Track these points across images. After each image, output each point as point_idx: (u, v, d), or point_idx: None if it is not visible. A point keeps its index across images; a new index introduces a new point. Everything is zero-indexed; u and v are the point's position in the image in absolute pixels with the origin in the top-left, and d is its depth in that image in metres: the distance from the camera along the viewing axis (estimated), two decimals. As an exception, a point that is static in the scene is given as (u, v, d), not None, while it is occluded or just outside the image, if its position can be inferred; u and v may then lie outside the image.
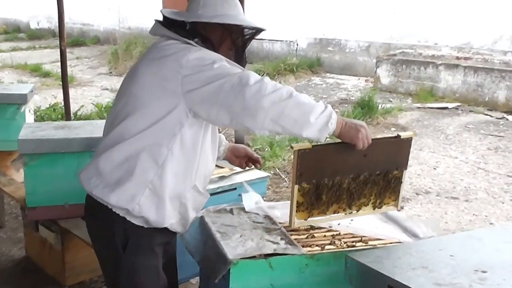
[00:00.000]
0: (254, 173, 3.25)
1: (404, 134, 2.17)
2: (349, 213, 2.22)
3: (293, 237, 2.30)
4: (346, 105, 8.27)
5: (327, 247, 2.24)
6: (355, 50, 10.90)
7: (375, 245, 2.24)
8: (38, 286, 3.48)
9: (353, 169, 2.10)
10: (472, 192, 5.08)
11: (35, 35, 16.85)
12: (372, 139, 2.03)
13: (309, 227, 2.41)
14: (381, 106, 7.83)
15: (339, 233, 2.36)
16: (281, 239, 2.26)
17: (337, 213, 2.19)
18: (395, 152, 2.16)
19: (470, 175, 5.52)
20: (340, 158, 2.02)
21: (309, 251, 2.19)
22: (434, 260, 1.77)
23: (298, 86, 9.96)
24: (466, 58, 9.04)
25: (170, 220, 2.07)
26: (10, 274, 3.65)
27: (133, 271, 2.08)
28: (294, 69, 10.47)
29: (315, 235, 2.35)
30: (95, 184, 2.03)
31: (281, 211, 2.45)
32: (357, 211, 2.22)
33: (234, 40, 2.11)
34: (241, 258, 2.08)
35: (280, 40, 11.88)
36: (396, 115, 7.76)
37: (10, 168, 4.26)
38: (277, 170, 5.49)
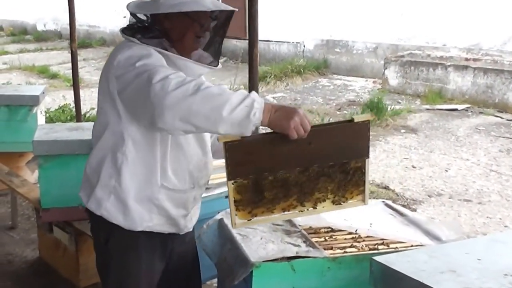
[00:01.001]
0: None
1: (359, 117, 1.85)
2: (304, 211, 1.95)
3: (313, 239, 2.28)
4: (355, 107, 8.25)
5: (348, 250, 2.22)
6: (362, 52, 10.87)
7: (397, 248, 2.23)
8: (51, 287, 3.47)
9: (299, 161, 1.84)
10: (485, 195, 5.05)
11: (42, 37, 16.89)
12: (319, 125, 1.85)
13: (329, 229, 2.39)
14: (390, 108, 7.80)
15: (360, 235, 2.34)
16: (302, 241, 2.24)
17: (288, 211, 1.92)
18: (351, 140, 1.86)
19: (483, 177, 5.49)
20: (278, 149, 1.77)
21: (331, 254, 2.17)
22: (461, 264, 1.74)
23: (305, 87, 9.95)
24: (475, 60, 8.98)
25: (147, 223, 2.01)
26: (23, 275, 3.66)
27: (114, 269, 2.08)
28: (301, 70, 10.44)
29: (336, 237, 2.34)
30: (82, 187, 2.11)
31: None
32: (314, 207, 1.95)
33: (201, 27, 1.97)
34: (263, 261, 2.07)
35: (287, 42, 11.86)
36: (405, 117, 7.73)
37: (23, 169, 4.27)
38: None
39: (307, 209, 1.94)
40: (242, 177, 1.82)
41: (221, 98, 1.63)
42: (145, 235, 2.03)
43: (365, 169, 1.93)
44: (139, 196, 1.96)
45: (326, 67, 11.13)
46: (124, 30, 1.99)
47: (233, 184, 1.81)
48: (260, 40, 4.07)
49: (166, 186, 1.97)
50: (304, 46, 11.68)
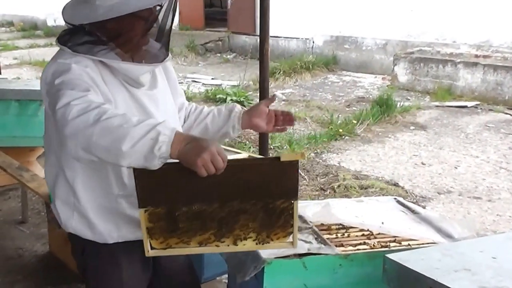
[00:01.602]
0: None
1: (286, 156, 1.69)
2: (222, 247, 1.78)
3: (325, 236, 2.27)
4: (364, 103, 8.22)
5: (360, 247, 2.21)
6: (371, 48, 10.82)
7: (409, 245, 2.22)
8: (61, 282, 3.48)
9: (216, 195, 1.69)
10: (495, 192, 5.02)
11: (52, 32, 16.91)
12: (242, 160, 1.74)
13: (341, 226, 2.39)
14: (400, 105, 7.77)
15: (372, 232, 2.33)
16: (314, 238, 2.24)
17: (205, 245, 1.77)
18: (276, 179, 1.68)
19: (492, 174, 5.45)
20: (194, 181, 1.59)
21: (343, 251, 2.17)
22: (476, 262, 1.73)
23: (314, 83, 9.92)
24: (485, 56, 8.93)
25: (117, 234, 1.90)
26: (33, 269, 3.67)
27: (93, 279, 2.01)
28: (310, 66, 10.42)
29: (348, 234, 2.33)
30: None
31: (312, 211, 2.43)
32: (234, 244, 1.78)
33: (147, 21, 1.82)
34: (275, 258, 2.07)
35: (296, 38, 11.83)
36: (414, 114, 7.70)
37: (33, 163, 4.28)
38: (297, 168, 5.45)
39: (227, 245, 1.78)
40: (153, 205, 1.69)
41: (121, 131, 1.49)
42: (121, 244, 1.92)
43: (293, 211, 1.74)
44: (100, 210, 1.87)
45: (335, 63, 11.10)
46: (59, 37, 1.84)
47: (144, 212, 1.70)
48: (269, 36, 4.07)
49: (124, 194, 1.85)
50: (313, 42, 11.65)
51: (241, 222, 1.74)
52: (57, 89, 1.64)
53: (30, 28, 18.13)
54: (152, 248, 1.75)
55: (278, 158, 1.66)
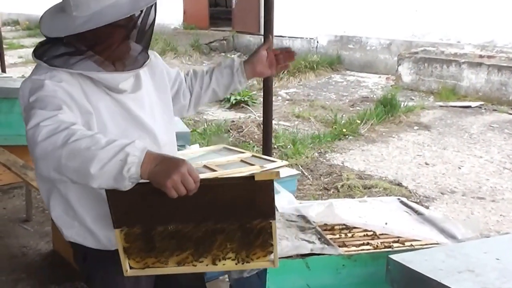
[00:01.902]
0: (284, 171, 3.23)
1: (260, 175, 1.64)
2: (201, 267, 1.76)
3: (328, 236, 2.27)
4: (368, 103, 8.21)
5: (363, 247, 2.21)
6: (376, 48, 10.81)
7: (412, 245, 2.21)
8: (65, 280, 3.50)
9: (191, 215, 1.67)
10: (499, 193, 5.01)
11: (56, 31, 16.98)
12: (216, 179, 1.71)
13: (344, 226, 2.38)
14: (403, 105, 7.76)
15: (375, 233, 2.33)
16: (317, 238, 2.24)
17: (183, 265, 1.75)
18: (251, 198, 1.64)
19: (496, 175, 5.44)
20: (168, 201, 1.54)
21: (346, 251, 2.16)
22: (480, 263, 1.73)
23: (318, 83, 9.92)
24: (489, 57, 8.90)
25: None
26: (37, 267, 3.68)
27: (95, 282, 2.01)
28: (315, 66, 10.41)
29: (351, 234, 2.33)
30: None
31: (316, 212, 2.42)
32: (213, 264, 1.76)
33: (127, 29, 1.79)
34: (278, 257, 2.06)
35: (300, 37, 11.82)
36: (418, 114, 7.69)
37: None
38: (300, 168, 5.46)
39: (205, 265, 1.76)
40: (128, 225, 1.68)
41: (88, 154, 1.47)
42: None
43: (271, 231, 1.70)
44: (98, 218, 1.86)
45: (340, 63, 11.09)
46: (34, 50, 1.82)
47: (120, 232, 1.68)
48: (274, 36, 4.07)
49: None
50: (317, 42, 11.63)
51: (218, 242, 1.71)
52: (30, 107, 1.63)
53: (36, 27, 18.10)
54: (131, 267, 1.75)
55: (253, 177, 1.62)
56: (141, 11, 1.78)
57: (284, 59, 2.15)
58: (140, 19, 1.80)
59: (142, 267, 1.75)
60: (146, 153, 1.49)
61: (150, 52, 2.01)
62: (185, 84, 2.20)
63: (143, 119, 1.88)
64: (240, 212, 1.66)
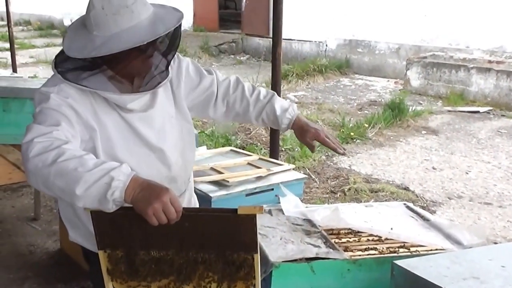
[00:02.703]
0: (290, 174, 3.24)
1: (244, 209, 1.61)
2: None
3: (333, 241, 2.28)
4: (376, 107, 8.21)
5: (368, 252, 2.21)
6: (384, 52, 10.80)
7: (417, 251, 2.22)
8: (71, 279, 3.52)
9: (173, 243, 1.67)
10: (506, 198, 4.99)
11: (68, 32, 17.08)
12: (198, 210, 1.70)
13: (349, 231, 2.39)
14: (411, 109, 7.75)
15: (380, 238, 2.33)
16: (322, 242, 2.24)
17: None
18: (233, 231, 1.64)
19: (504, 180, 5.42)
20: (147, 227, 1.55)
21: (351, 255, 2.17)
22: (485, 271, 1.73)
23: (326, 87, 9.92)
24: (498, 62, 8.87)
25: None
26: (44, 266, 3.71)
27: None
28: (323, 70, 10.42)
29: (356, 239, 2.33)
30: None
31: (321, 216, 2.43)
32: None
33: (146, 52, 1.79)
34: (283, 261, 2.08)
35: (309, 41, 11.83)
36: (426, 118, 7.67)
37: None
38: (307, 171, 5.46)
39: None
40: (111, 248, 1.70)
41: (75, 175, 1.50)
42: None
43: (253, 264, 1.68)
44: None
45: (348, 66, 11.09)
46: (55, 58, 1.87)
47: (104, 253, 1.71)
48: (283, 39, 4.09)
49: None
50: (326, 46, 11.63)
51: (200, 271, 1.71)
52: (33, 118, 1.70)
53: (47, 27, 18.30)
54: None
55: (236, 210, 1.61)
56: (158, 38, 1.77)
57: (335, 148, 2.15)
58: (159, 44, 1.82)
59: None
60: (132, 178, 1.51)
61: (178, 59, 2.03)
62: (220, 98, 2.16)
63: (149, 139, 1.90)
64: (222, 243, 1.66)
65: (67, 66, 1.80)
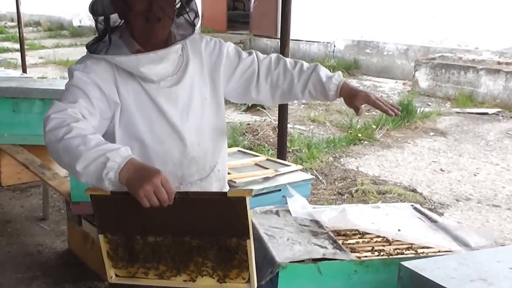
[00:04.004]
0: (298, 175, 3.24)
1: (233, 192, 1.63)
2: (181, 282, 1.75)
3: (340, 242, 2.28)
4: (384, 108, 8.17)
5: (376, 253, 2.21)
6: (393, 53, 10.77)
7: (425, 253, 2.21)
8: (79, 279, 3.53)
9: (168, 228, 1.68)
10: (515, 201, 4.97)
11: (78, 33, 17.17)
12: (188, 193, 1.67)
13: (356, 232, 2.39)
14: (420, 110, 7.73)
15: (388, 239, 2.33)
16: (329, 243, 2.25)
17: (163, 279, 1.76)
18: (225, 215, 1.63)
19: (512, 183, 5.40)
20: (143, 212, 1.58)
21: (358, 257, 2.17)
22: (492, 273, 1.72)
23: (334, 87, 9.89)
24: (508, 63, 8.83)
25: None
26: (52, 266, 3.73)
27: None
28: (331, 70, 10.31)
29: (363, 240, 2.33)
30: None
31: (328, 217, 2.43)
32: (192, 280, 1.74)
33: (143, 15, 1.82)
34: (290, 262, 2.08)
35: (317, 41, 11.82)
36: (434, 120, 7.65)
37: (55, 162, 4.33)
38: (315, 172, 5.46)
39: (184, 281, 1.75)
40: (110, 233, 1.72)
41: (76, 152, 1.57)
42: None
43: (247, 250, 1.66)
44: None
45: (356, 67, 11.08)
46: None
47: (104, 238, 1.73)
48: (291, 40, 4.09)
49: None
50: (334, 46, 11.62)
51: (195, 258, 1.71)
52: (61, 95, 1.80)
53: (57, 28, 18.43)
54: (116, 275, 1.77)
55: (225, 193, 1.62)
56: None
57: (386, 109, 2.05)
58: (159, 4, 1.81)
59: (125, 275, 1.77)
60: (128, 161, 1.55)
61: (212, 40, 2.06)
62: (262, 76, 2.11)
63: (170, 116, 1.90)
64: (215, 229, 1.66)
65: (92, 41, 1.89)
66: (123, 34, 1.90)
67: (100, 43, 1.86)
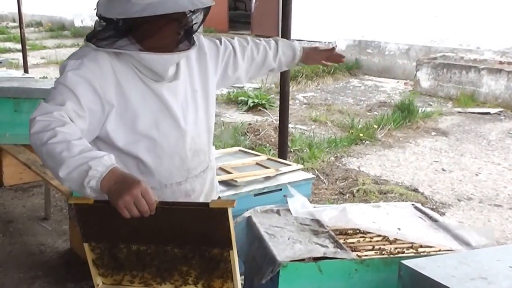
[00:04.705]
0: (299, 175, 3.24)
1: (216, 203, 1.62)
2: None
3: (341, 241, 2.28)
4: (386, 108, 8.18)
5: (376, 252, 2.22)
6: (394, 53, 10.77)
7: (425, 252, 2.22)
8: (81, 278, 3.53)
9: (149, 238, 1.69)
10: (517, 201, 4.96)
11: (79, 33, 17.17)
12: (170, 203, 1.66)
13: (357, 231, 2.39)
14: (421, 110, 7.72)
15: (388, 238, 2.33)
16: (330, 242, 2.25)
17: (148, 286, 1.78)
18: (207, 226, 1.63)
19: (514, 182, 5.40)
20: (128, 221, 1.56)
21: (359, 256, 2.17)
22: (493, 271, 1.73)
23: (336, 88, 9.91)
24: (509, 63, 8.82)
25: None
26: (54, 265, 3.73)
27: None
28: (332, 70, 10.40)
29: (364, 239, 2.33)
30: None
31: (329, 216, 2.43)
32: None
33: (180, 24, 1.83)
34: (290, 261, 2.08)
35: (319, 41, 11.80)
36: (436, 119, 7.64)
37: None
38: (316, 172, 5.46)
39: None
40: (95, 241, 1.73)
41: (59, 158, 1.57)
42: None
43: (230, 261, 1.67)
44: None
45: (358, 67, 11.06)
46: (87, 35, 1.89)
47: (89, 246, 1.74)
48: (292, 40, 4.09)
49: None
50: (336, 46, 11.60)
51: (179, 267, 1.73)
52: (49, 92, 1.78)
53: (58, 29, 18.44)
54: (103, 283, 1.80)
55: (207, 204, 1.62)
56: (193, 12, 1.84)
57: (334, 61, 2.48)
58: (192, 18, 1.86)
59: (112, 283, 1.79)
60: (110, 170, 1.55)
61: (196, 36, 2.04)
62: (239, 54, 2.21)
63: (174, 110, 1.92)
64: (197, 239, 1.66)
65: (99, 36, 1.82)
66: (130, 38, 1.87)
67: (113, 39, 1.80)
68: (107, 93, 1.79)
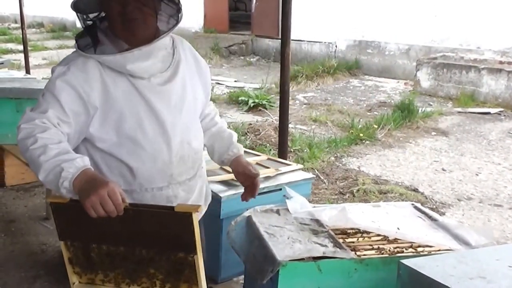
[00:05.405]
0: (299, 174, 3.25)
1: (181, 207, 1.66)
2: None
3: (340, 240, 2.29)
4: (386, 108, 8.19)
5: (376, 251, 2.23)
6: (394, 53, 10.78)
7: (425, 251, 2.23)
8: (82, 278, 3.55)
9: (118, 239, 1.71)
10: (516, 200, 4.97)
11: (81, 34, 17.23)
12: (137, 205, 1.69)
13: (357, 230, 2.40)
14: (421, 110, 7.73)
15: (388, 238, 2.34)
16: (330, 242, 2.26)
17: (119, 287, 1.80)
18: (172, 229, 1.65)
19: (514, 182, 5.40)
20: (98, 222, 1.60)
21: (358, 255, 2.18)
22: (492, 270, 1.73)
23: (336, 88, 9.92)
24: (509, 63, 8.83)
25: None
26: (55, 264, 3.73)
27: None
28: (332, 71, 10.41)
29: (363, 239, 2.34)
30: None
31: (329, 216, 2.44)
32: None
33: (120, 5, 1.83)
34: (290, 260, 2.09)
35: (319, 42, 11.83)
36: (436, 119, 7.65)
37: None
38: (316, 172, 5.47)
39: None
40: (70, 240, 1.78)
41: (38, 162, 1.67)
42: None
43: (195, 266, 1.68)
44: None
45: (358, 67, 11.08)
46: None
47: (65, 244, 1.80)
48: (292, 40, 4.10)
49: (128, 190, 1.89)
50: (336, 47, 11.63)
51: (147, 269, 1.75)
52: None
53: (59, 30, 18.46)
54: (78, 281, 1.84)
55: (173, 207, 1.65)
56: None
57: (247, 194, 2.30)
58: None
59: (86, 282, 1.83)
60: (82, 171, 1.63)
61: (200, 60, 2.12)
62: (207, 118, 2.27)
63: (160, 113, 1.90)
64: (163, 242, 1.69)
65: (81, 35, 1.92)
66: (109, 33, 1.90)
67: (89, 40, 1.88)
68: (91, 96, 1.81)
